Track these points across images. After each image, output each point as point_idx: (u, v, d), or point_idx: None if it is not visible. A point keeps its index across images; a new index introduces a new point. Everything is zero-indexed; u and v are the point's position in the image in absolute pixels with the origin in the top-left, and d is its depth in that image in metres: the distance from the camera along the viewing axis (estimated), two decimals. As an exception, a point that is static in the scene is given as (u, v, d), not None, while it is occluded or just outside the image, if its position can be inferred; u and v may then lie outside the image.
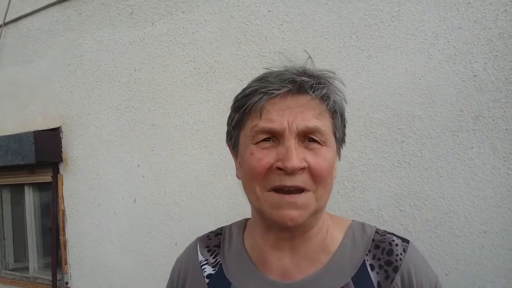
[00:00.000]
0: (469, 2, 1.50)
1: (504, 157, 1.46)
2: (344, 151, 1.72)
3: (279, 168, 0.81)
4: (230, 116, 0.94)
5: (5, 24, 3.15)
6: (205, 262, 0.98)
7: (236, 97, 0.92)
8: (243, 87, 0.91)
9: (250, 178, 0.85)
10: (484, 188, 1.49)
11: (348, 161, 1.72)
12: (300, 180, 0.81)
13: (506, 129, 1.45)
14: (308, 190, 0.82)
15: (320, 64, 1.80)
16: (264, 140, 0.84)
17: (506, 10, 1.44)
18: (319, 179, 0.82)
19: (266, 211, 0.83)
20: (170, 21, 2.28)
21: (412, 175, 1.60)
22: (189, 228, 2.21)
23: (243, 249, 0.95)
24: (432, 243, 1.57)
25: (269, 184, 0.82)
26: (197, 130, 2.19)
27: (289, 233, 0.88)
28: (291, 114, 0.82)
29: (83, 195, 2.72)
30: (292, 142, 0.81)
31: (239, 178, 0.93)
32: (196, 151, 2.20)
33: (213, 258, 0.98)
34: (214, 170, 2.13)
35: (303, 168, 0.81)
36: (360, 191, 1.70)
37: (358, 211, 1.69)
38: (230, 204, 2.07)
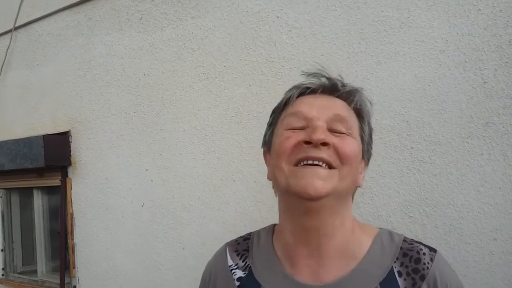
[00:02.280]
0: (479, 9, 1.50)
1: (514, 164, 1.45)
2: (353, 157, 1.72)
3: (306, 142, 0.86)
4: (268, 123, 1.01)
5: (15, 28, 3.18)
6: (235, 266, 1.00)
7: (274, 108, 1.01)
8: (269, 99, 1.01)
9: (277, 155, 0.89)
10: (494, 195, 1.48)
11: (357, 167, 1.72)
12: (326, 154, 0.85)
13: (517, 136, 1.44)
14: (332, 167, 0.86)
15: (329, 69, 1.81)
16: (295, 129, 0.90)
17: (516, 17, 1.44)
18: (344, 159, 0.86)
19: (291, 183, 0.86)
20: (180, 27, 2.29)
21: (421, 181, 1.60)
22: (197, 233, 2.22)
23: (272, 251, 0.98)
24: (442, 250, 1.56)
25: (295, 157, 0.87)
26: (206, 135, 2.20)
27: (313, 220, 0.89)
28: (321, 106, 0.90)
29: (92, 199, 2.74)
30: (320, 123, 0.87)
31: (269, 179, 0.97)
32: (204, 156, 2.20)
33: (242, 262, 1.00)
34: (222, 175, 2.14)
35: (328, 145, 0.85)
36: (369, 197, 1.69)
37: (367, 217, 1.69)
38: (238, 209, 2.07)
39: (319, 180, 0.83)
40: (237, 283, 0.96)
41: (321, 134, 0.84)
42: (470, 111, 1.52)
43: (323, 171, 0.84)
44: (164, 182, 2.37)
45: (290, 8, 1.92)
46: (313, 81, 0.96)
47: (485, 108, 1.49)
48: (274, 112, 0.99)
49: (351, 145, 0.88)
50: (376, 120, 1.68)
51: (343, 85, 0.94)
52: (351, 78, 1.74)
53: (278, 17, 1.96)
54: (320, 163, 0.85)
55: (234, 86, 2.11)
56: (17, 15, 3.13)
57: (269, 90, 1.96)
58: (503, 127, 1.47)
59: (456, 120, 1.54)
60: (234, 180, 2.10)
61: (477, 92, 1.51)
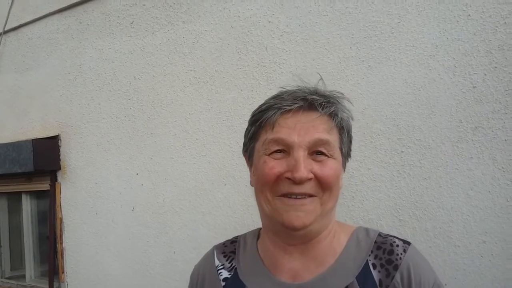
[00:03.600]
0: (469, 15, 1.52)
1: (503, 167, 1.47)
2: (344, 161, 1.73)
3: (288, 178, 0.88)
4: (247, 129, 1.02)
5: (5, 32, 3.16)
6: (222, 266, 1.05)
7: (253, 112, 1.00)
8: (260, 103, 0.99)
9: (262, 184, 0.93)
10: (484, 198, 1.50)
11: (347, 171, 1.72)
12: (308, 187, 0.89)
13: (506, 140, 1.46)
14: (314, 196, 0.89)
15: (320, 74, 1.82)
16: (276, 151, 0.92)
17: (505, 22, 1.46)
18: (325, 186, 0.90)
19: (276, 214, 0.91)
20: (171, 31, 2.29)
21: (411, 185, 1.61)
22: (188, 237, 2.21)
23: (256, 254, 1.02)
24: (431, 253, 1.57)
25: (279, 191, 0.90)
26: (197, 139, 2.20)
27: (298, 240, 0.94)
28: (302, 129, 0.90)
29: (81, 204, 2.72)
30: (301, 154, 0.89)
31: (252, 186, 1.00)
32: (195, 160, 2.20)
33: (228, 263, 1.05)
34: (213, 179, 2.13)
35: (310, 178, 0.88)
36: (359, 200, 1.70)
37: (357, 220, 1.70)
38: (229, 213, 2.07)
39: (302, 213, 0.88)
40: (223, 283, 1.01)
41: (303, 172, 0.87)
42: (459, 116, 1.54)
43: (306, 202, 0.89)
44: (155, 186, 2.36)
45: (281, 13, 1.93)
46: (295, 96, 0.94)
47: (475, 113, 1.51)
48: (253, 124, 0.99)
49: (332, 171, 0.91)
50: (367, 124, 1.70)
51: (323, 104, 0.93)
52: (342, 83, 1.75)
53: (269, 22, 1.97)
54: (303, 196, 0.89)
55: (225, 91, 2.11)
56: (7, 18, 3.11)
57: (261, 95, 1.97)
58: (492, 131, 1.48)
59: (446, 124, 1.56)
60: (225, 184, 2.10)
61: (467, 97, 1.53)
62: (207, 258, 1.11)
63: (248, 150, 1.02)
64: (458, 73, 1.54)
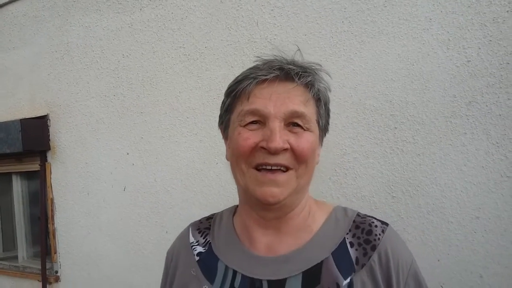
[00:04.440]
0: (463, -14, 1.49)
1: (497, 142, 1.45)
2: (336, 137, 1.71)
3: (263, 148, 0.87)
4: (223, 101, 0.99)
5: (-10, 9, 3.08)
6: (196, 243, 1.04)
7: (230, 84, 0.97)
8: (237, 75, 0.95)
9: (237, 156, 0.90)
10: (477, 174, 1.49)
11: (340, 148, 1.71)
12: (283, 158, 0.86)
13: (500, 115, 1.44)
14: (290, 169, 0.88)
15: (312, 49, 1.79)
16: (252, 123, 0.89)
17: (500, -6, 1.43)
18: (301, 159, 0.88)
19: (250, 187, 0.89)
20: (159, 7, 2.24)
21: (404, 161, 1.59)
22: (180, 216, 2.19)
23: (232, 229, 1.01)
24: (425, 229, 1.57)
25: (254, 161, 0.88)
26: (187, 118, 2.16)
27: (273, 214, 0.93)
28: (278, 99, 0.88)
29: (72, 184, 2.69)
30: (276, 125, 0.86)
31: (228, 160, 0.98)
32: (186, 138, 2.17)
33: (203, 239, 1.04)
34: (205, 157, 2.11)
35: (286, 149, 0.86)
36: (352, 177, 1.69)
37: (350, 197, 1.69)
38: (221, 192, 2.06)
39: (276, 188, 0.87)
40: (197, 258, 1.01)
41: (278, 142, 0.85)
42: (453, 90, 1.51)
43: (281, 176, 0.87)
44: (146, 166, 2.33)
45: (272, -13, 1.89)
46: (271, 66, 0.92)
47: (469, 87, 1.49)
48: (228, 95, 0.97)
49: (307, 143, 0.88)
50: (360, 100, 1.67)
51: (299, 73, 0.90)
52: (334, 59, 1.72)
53: (260, -4, 1.93)
54: (278, 167, 0.88)
55: (215, 68, 2.07)
56: (-9, -5, 3.03)
57: (252, 71, 1.93)
58: (486, 106, 1.46)
59: (440, 100, 1.53)
60: (216, 163, 2.08)
61: (461, 71, 1.50)
62: (182, 237, 1.10)
63: (224, 122, 1.00)
64: (452, 47, 1.52)
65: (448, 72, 1.52)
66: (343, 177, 1.70)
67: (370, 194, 1.65)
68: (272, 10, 1.89)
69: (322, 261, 0.90)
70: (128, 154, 2.40)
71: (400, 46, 1.60)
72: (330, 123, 0.99)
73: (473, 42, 1.48)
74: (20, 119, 2.70)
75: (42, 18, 2.80)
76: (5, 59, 3.04)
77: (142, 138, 2.34)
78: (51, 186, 2.79)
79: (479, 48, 1.47)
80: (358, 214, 0.98)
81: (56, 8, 2.71)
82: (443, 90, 1.53)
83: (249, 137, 0.88)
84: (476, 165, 1.49)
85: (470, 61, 1.48)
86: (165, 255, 1.13)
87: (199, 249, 1.02)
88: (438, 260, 1.55)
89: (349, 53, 1.70)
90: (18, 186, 3.12)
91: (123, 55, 2.39)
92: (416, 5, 1.57)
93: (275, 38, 1.89)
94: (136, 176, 2.38)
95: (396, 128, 1.61)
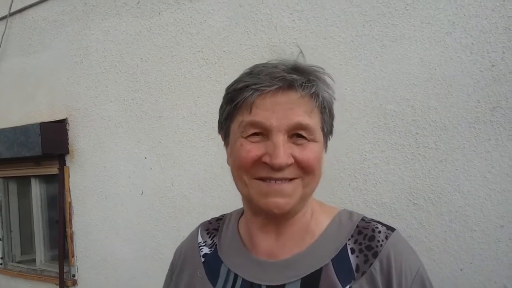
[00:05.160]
0: (488, -11, 1.46)
1: (523, 149, 1.42)
2: (356, 143, 1.69)
3: (266, 163, 0.84)
4: (221, 107, 0.97)
5: (11, 14, 3.12)
6: (204, 243, 1.05)
7: (227, 88, 0.94)
8: (235, 79, 0.93)
9: (238, 167, 0.89)
10: (501, 181, 1.45)
11: (360, 154, 1.69)
12: (288, 172, 0.84)
13: (526, 121, 1.41)
14: (296, 178, 0.86)
15: (332, 53, 1.77)
16: (254, 134, 0.86)
17: (527, -3, 1.40)
18: (307, 170, 0.86)
19: (254, 198, 0.87)
20: (178, 11, 2.24)
21: (426, 167, 1.56)
22: (197, 221, 2.15)
23: (236, 232, 1.02)
24: (447, 238, 1.53)
25: (257, 174, 0.86)
26: (205, 122, 2.16)
27: (275, 218, 0.92)
28: (281, 111, 0.85)
29: (90, 187, 2.70)
30: (280, 138, 0.84)
31: (229, 165, 0.96)
32: (204, 143, 2.17)
33: (210, 240, 1.05)
34: (223, 162, 2.09)
35: (290, 164, 0.84)
36: (372, 184, 1.66)
37: (370, 204, 1.66)
38: (238, 197, 2.04)
39: (282, 199, 0.85)
40: (203, 259, 1.01)
41: (283, 158, 0.82)
42: (477, 95, 1.48)
43: (286, 186, 0.85)
44: (164, 170, 2.33)
45: (291, -9, 1.87)
46: (273, 76, 0.86)
47: (493, 92, 1.45)
48: (228, 103, 0.93)
49: (313, 154, 0.86)
50: (380, 105, 1.65)
51: (303, 84, 0.86)
52: (354, 63, 1.70)
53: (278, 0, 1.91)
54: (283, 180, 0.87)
55: (234, 72, 2.06)
56: (12, 1, 3.07)
57: (270, 75, 1.92)
58: (511, 111, 1.43)
59: (463, 105, 1.50)
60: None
61: (485, 76, 1.47)
62: (191, 236, 1.11)
63: (224, 129, 0.97)
64: (476, 51, 1.48)
65: (471, 76, 1.49)
66: (363, 184, 1.68)
67: (391, 201, 1.62)
68: (291, 13, 1.88)
69: (321, 268, 0.88)
70: (146, 158, 2.40)
71: (422, 50, 1.57)
72: (336, 128, 0.97)
73: (497, 46, 1.45)
74: (40, 123, 2.72)
75: (62, 23, 2.82)
76: (25, 63, 3.08)
77: (160, 142, 2.34)
78: (69, 189, 2.80)
79: (504, 53, 1.44)
80: (363, 219, 0.95)
81: (75, 12, 2.73)
82: (467, 95, 1.49)
83: (252, 149, 0.86)
84: (500, 172, 1.45)
85: (494, 65, 1.45)
86: (173, 257, 1.13)
87: (206, 250, 1.03)
88: (461, 270, 1.51)
89: (370, 57, 1.68)
90: (36, 189, 3.15)
91: (141, 59, 2.40)
92: (438, 8, 1.54)
93: (294, 42, 1.87)
94: (153, 181, 2.38)
95: (417, 133, 1.58)
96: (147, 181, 2.41)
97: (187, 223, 2.23)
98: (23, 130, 2.79)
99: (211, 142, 2.14)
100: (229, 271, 0.95)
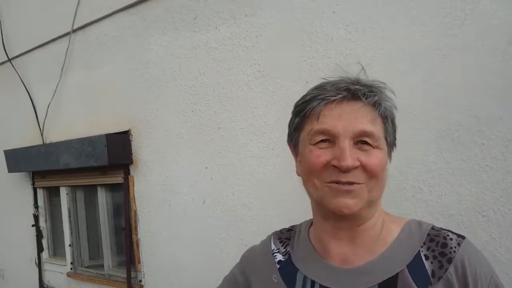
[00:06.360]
0: (556, -3, 1.42)
1: None
2: (419, 153, 1.68)
3: (335, 166, 0.91)
4: (291, 120, 1.05)
5: (73, 31, 3.28)
6: (277, 250, 1.11)
7: (297, 103, 1.02)
8: (303, 94, 1.00)
9: (309, 172, 0.95)
10: None
11: (424, 164, 1.68)
12: (354, 176, 0.90)
13: None
14: (361, 183, 0.91)
15: (389, 64, 1.77)
16: (321, 141, 0.94)
17: None
18: (371, 174, 0.91)
19: (324, 200, 0.93)
20: (233, 25, 2.29)
21: (494, 179, 1.54)
22: (259, 230, 2.23)
23: (308, 241, 1.06)
24: (518, 250, 1.51)
25: (326, 178, 0.92)
26: (264, 133, 2.20)
27: (346, 223, 0.97)
28: (347, 119, 0.92)
29: (154, 196, 2.81)
30: (346, 144, 0.90)
31: (298, 175, 1.03)
32: (263, 153, 2.21)
33: (283, 248, 1.10)
34: (282, 172, 2.14)
35: (356, 167, 0.90)
36: (437, 195, 1.65)
37: (436, 215, 1.65)
38: (298, 205, 2.07)
39: (350, 199, 0.90)
40: (278, 265, 1.07)
41: (349, 161, 0.89)
42: (546, 104, 1.44)
43: (353, 189, 0.91)
44: (224, 180, 2.40)
45: (346, 4, 1.88)
46: (338, 87, 0.94)
47: (563, 101, 1.42)
48: (297, 115, 1.01)
49: (377, 160, 0.92)
50: (443, 116, 1.63)
51: (366, 94, 0.93)
52: (413, 73, 1.70)
53: (334, 12, 1.93)
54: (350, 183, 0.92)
55: (290, 83, 2.10)
56: (74, 17, 3.22)
57: (328, 87, 1.93)
58: None
59: (531, 114, 1.47)
60: (292, 177, 2.09)
61: (553, 84, 1.43)
62: (264, 243, 1.17)
63: (293, 140, 1.04)
64: (543, 59, 1.45)
65: (539, 85, 1.45)
66: (428, 195, 1.67)
67: (458, 212, 1.61)
68: (347, 25, 1.89)
69: (397, 273, 0.92)
70: (206, 168, 2.48)
71: (483, 59, 1.55)
72: (397, 138, 1.02)
73: None
74: (105, 134, 2.85)
75: (122, 38, 2.94)
76: (88, 77, 3.23)
77: (219, 152, 2.40)
78: (134, 198, 2.93)
79: None
80: (433, 227, 0.98)
81: (135, 28, 2.84)
82: (535, 104, 1.46)
83: (321, 155, 0.92)
84: None
85: None
86: (240, 260, 1.19)
87: (280, 257, 1.08)
88: (533, 282, 1.48)
89: (429, 68, 1.67)
90: (102, 198, 3.29)
91: (199, 72, 2.48)
92: (498, 17, 1.52)
93: (350, 54, 1.88)
94: (214, 190, 2.45)
95: (483, 144, 1.55)
96: (208, 190, 2.48)
97: (249, 232, 2.28)
98: (90, 141, 2.93)
99: (270, 152, 2.18)
100: (305, 277, 1.00)
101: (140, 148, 2.88)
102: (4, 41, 3.90)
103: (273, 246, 1.12)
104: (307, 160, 0.95)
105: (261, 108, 2.21)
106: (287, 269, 1.04)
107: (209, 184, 2.48)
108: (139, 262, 2.92)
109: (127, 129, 2.94)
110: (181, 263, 2.67)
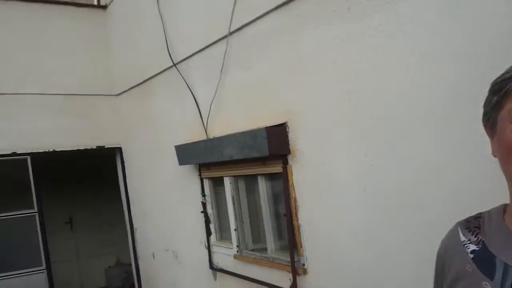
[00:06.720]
0: None
1: None
2: None
3: None
4: (487, 99, 1.03)
5: (230, 34, 3.53)
6: (468, 241, 1.08)
7: (495, 80, 1.00)
8: (502, 72, 0.98)
9: (507, 151, 0.94)
10: None
11: None
12: None
13: None
14: None
15: None
16: None
17: None
18: None
19: None
20: (390, 10, 2.28)
21: None
22: (430, 218, 2.20)
23: (504, 227, 1.03)
24: None
25: None
26: (425, 117, 2.17)
27: None
28: None
29: (312, 184, 2.93)
30: None
31: (495, 156, 1.01)
32: (424, 137, 2.19)
33: (474, 237, 1.07)
34: (450, 157, 2.09)
35: None
36: None
37: None
38: (472, 191, 2.02)
39: None
40: (471, 255, 1.04)
41: None
42: None
43: None
44: (385, 167, 2.41)
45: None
46: None
47: None
48: (495, 93, 0.99)
49: None
50: None
51: None
52: None
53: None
54: None
55: (453, 66, 2.04)
56: (231, 21, 3.47)
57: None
58: None
59: None
60: (459, 162, 2.05)
61: None
62: (452, 235, 1.15)
63: (490, 120, 1.02)
64: None
65: None
66: None
67: None
68: None
69: None
70: (366, 155, 2.51)
71: None
72: None
73: None
74: (265, 127, 3.05)
75: (275, 35, 3.10)
76: (246, 76, 3.47)
77: (378, 140, 2.42)
78: (293, 186, 3.08)
79: None
80: None
81: (287, 24, 2.97)
82: None
83: None
84: None
85: None
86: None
87: (472, 247, 1.06)
88: None
89: None
90: (263, 186, 3.51)
91: (355, 61, 2.51)
92: None
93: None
94: (375, 177, 2.48)
95: None
96: (368, 178, 2.52)
97: (418, 219, 2.27)
98: (252, 134, 3.16)
99: (432, 137, 2.15)
100: (506, 265, 0.97)
101: (297, 139, 3.01)
102: (169, 48, 4.34)
103: (462, 238, 1.10)
104: (507, 139, 0.94)
105: (421, 93, 2.18)
106: (483, 258, 1.02)
107: (369, 172, 2.51)
108: (301, 247, 3.07)
109: (284, 122, 3.09)
110: (343, 251, 2.75)
